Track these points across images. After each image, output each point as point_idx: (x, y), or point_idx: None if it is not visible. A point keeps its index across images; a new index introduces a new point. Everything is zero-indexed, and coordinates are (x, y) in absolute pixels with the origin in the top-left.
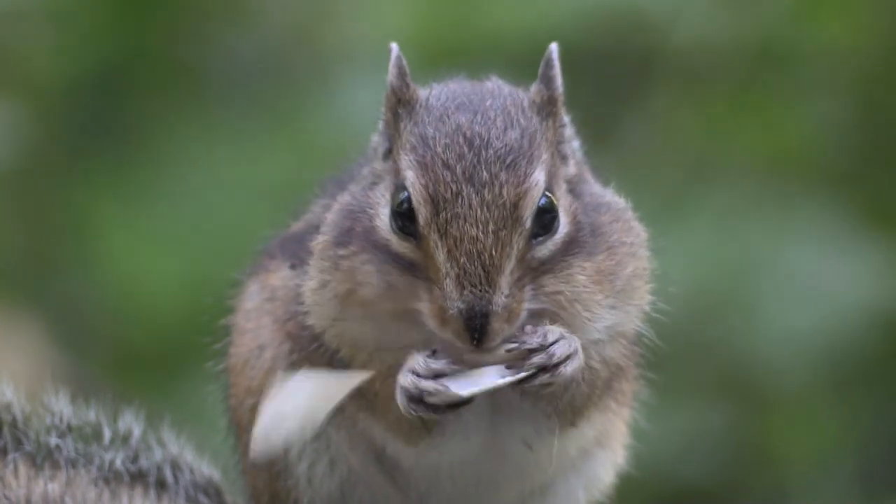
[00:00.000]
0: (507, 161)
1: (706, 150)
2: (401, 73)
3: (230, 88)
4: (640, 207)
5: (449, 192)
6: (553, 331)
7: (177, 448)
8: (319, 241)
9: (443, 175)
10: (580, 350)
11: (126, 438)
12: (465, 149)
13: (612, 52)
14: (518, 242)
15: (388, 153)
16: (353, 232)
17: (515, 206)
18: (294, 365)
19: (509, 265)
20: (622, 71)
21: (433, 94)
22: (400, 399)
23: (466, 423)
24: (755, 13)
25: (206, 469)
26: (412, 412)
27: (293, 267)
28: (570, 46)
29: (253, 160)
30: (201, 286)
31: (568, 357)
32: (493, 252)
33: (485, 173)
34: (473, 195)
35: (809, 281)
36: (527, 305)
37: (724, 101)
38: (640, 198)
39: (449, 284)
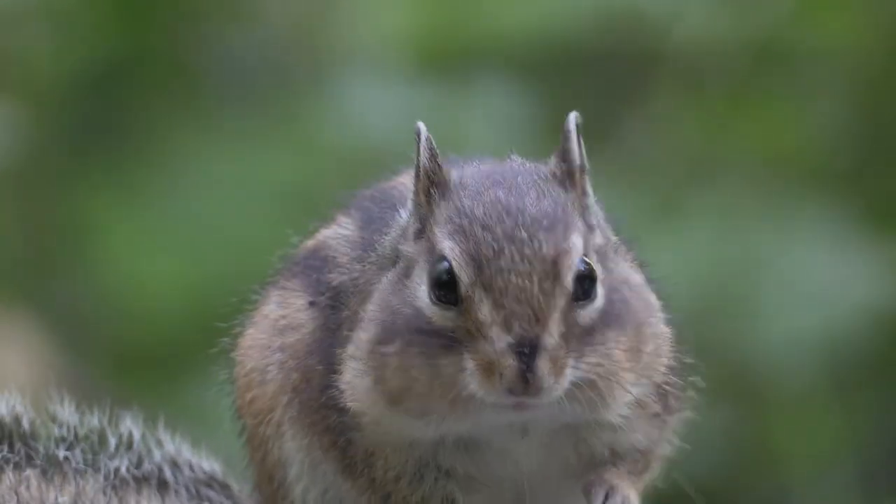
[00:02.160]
0: (545, 224)
1: (706, 151)
2: (433, 155)
3: (230, 88)
4: (640, 207)
5: (491, 250)
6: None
7: (173, 447)
8: (364, 340)
9: (483, 237)
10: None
11: (129, 444)
12: (504, 214)
13: (612, 52)
14: (560, 298)
15: (420, 233)
16: (397, 326)
17: (555, 262)
18: (293, 420)
19: (555, 313)
20: (622, 71)
21: (465, 173)
22: None
23: None
24: (755, 13)
25: (207, 464)
26: None
27: (312, 304)
28: (571, 46)
29: (252, 160)
30: (201, 286)
31: None
32: (540, 298)
33: (524, 233)
34: (515, 251)
35: (810, 281)
36: (570, 371)
37: (725, 102)
38: (641, 198)
39: (496, 329)
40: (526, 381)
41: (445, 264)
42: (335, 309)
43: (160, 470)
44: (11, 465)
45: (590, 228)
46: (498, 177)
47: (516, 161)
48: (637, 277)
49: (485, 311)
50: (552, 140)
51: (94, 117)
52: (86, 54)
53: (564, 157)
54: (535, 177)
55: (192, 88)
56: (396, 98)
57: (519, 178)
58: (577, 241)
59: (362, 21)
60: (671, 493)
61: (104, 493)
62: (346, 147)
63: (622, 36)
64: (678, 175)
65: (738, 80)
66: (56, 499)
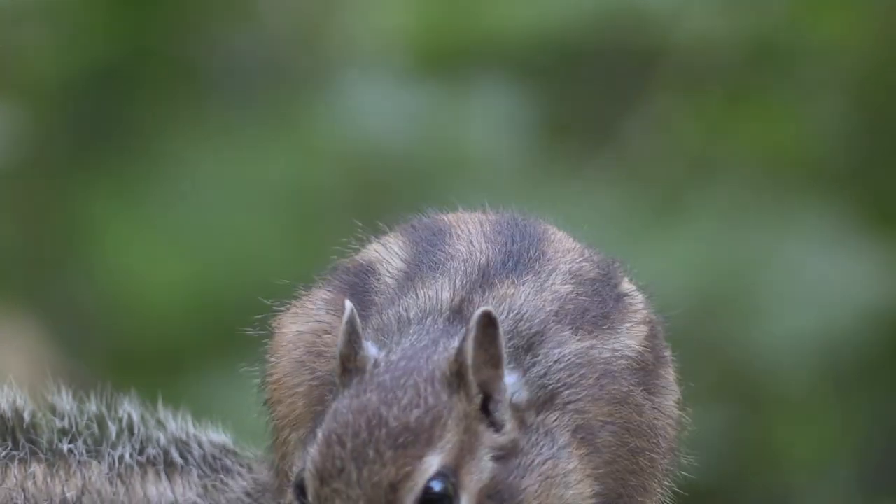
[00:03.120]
0: (399, 441)
1: (706, 150)
2: (349, 340)
3: (230, 89)
4: (639, 207)
5: (335, 468)
6: None
7: (176, 424)
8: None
9: (336, 451)
10: None
11: (130, 429)
12: (361, 427)
13: (612, 51)
14: None
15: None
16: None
17: (394, 488)
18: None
19: None
20: (622, 71)
21: (374, 362)
22: None
23: None
24: (755, 13)
25: (216, 436)
26: None
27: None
28: (570, 46)
29: (252, 160)
30: (200, 286)
31: None
32: None
33: (371, 452)
34: (354, 473)
35: (810, 281)
36: None
37: (724, 101)
38: (640, 197)
39: None
40: None
41: (303, 471)
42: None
43: (166, 452)
44: (17, 461)
45: (491, 426)
46: (389, 375)
47: (435, 341)
48: (563, 461)
49: None
50: (552, 140)
51: (94, 117)
52: (86, 54)
53: (458, 355)
54: (424, 375)
55: (193, 88)
56: (397, 99)
57: (403, 380)
58: (432, 461)
59: (362, 22)
60: (671, 491)
61: (110, 483)
62: (346, 147)
63: (621, 35)
64: (677, 175)
65: (737, 80)
66: (63, 492)
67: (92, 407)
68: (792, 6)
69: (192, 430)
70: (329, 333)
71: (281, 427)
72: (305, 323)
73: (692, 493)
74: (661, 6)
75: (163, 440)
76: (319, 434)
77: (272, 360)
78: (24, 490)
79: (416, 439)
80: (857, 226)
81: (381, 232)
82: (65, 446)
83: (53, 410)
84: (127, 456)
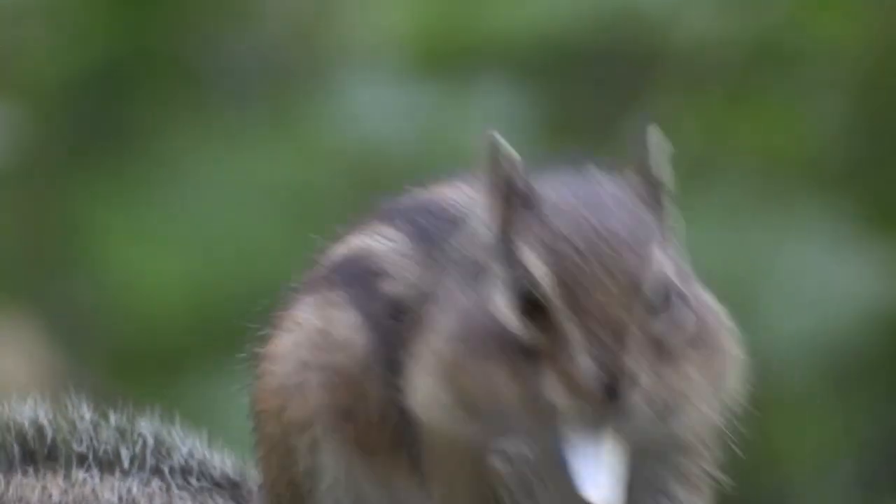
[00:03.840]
0: (628, 241)
1: (706, 150)
2: (514, 164)
3: (229, 87)
4: None
5: (575, 267)
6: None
7: (185, 451)
8: (436, 344)
9: (568, 253)
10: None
11: (143, 456)
12: (592, 235)
13: (612, 52)
14: (646, 320)
15: (496, 241)
16: (473, 332)
17: (638, 278)
18: (337, 435)
19: (636, 331)
20: (622, 71)
21: (547, 183)
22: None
23: None
24: (755, 13)
25: (219, 463)
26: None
27: (368, 318)
28: (570, 46)
29: (252, 160)
30: (201, 286)
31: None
32: (622, 317)
33: (607, 250)
34: (598, 268)
35: (810, 281)
36: (651, 390)
37: (724, 101)
38: None
39: (578, 350)
40: (607, 401)
41: (532, 281)
42: (396, 320)
43: (169, 486)
44: (39, 488)
45: (671, 247)
46: (580, 190)
47: (595, 174)
48: (710, 300)
49: (568, 329)
50: (552, 140)
51: (94, 117)
52: (86, 54)
53: (646, 172)
54: (618, 192)
55: (193, 88)
56: (396, 98)
57: (603, 195)
58: (657, 255)
59: (362, 21)
60: None
61: None
62: (346, 147)
63: (622, 36)
64: (677, 175)
65: (737, 80)
66: None
67: (111, 426)
68: (792, 6)
69: (198, 457)
70: (329, 334)
71: (286, 434)
72: (298, 332)
73: None
74: (661, 7)
75: (167, 472)
76: (531, 246)
77: (268, 371)
78: None
79: (643, 241)
80: (857, 226)
81: (354, 223)
82: (81, 474)
83: (73, 431)
84: (135, 488)
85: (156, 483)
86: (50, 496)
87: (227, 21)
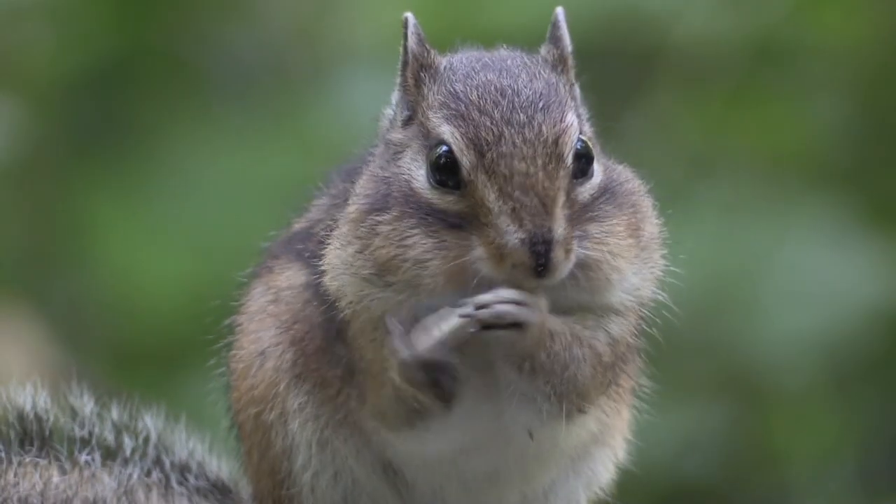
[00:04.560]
0: (540, 105)
1: (706, 149)
2: (420, 40)
3: (230, 85)
4: None
5: (490, 134)
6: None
7: (186, 451)
8: (353, 210)
9: (482, 121)
10: (543, 319)
11: (145, 446)
12: (499, 97)
13: (612, 50)
14: (564, 178)
15: (410, 120)
16: (391, 197)
17: (556, 142)
18: (298, 378)
19: (562, 197)
20: (623, 69)
21: (454, 58)
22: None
23: (468, 409)
24: (756, 11)
25: (215, 467)
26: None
27: (301, 254)
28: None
29: (253, 157)
30: (201, 283)
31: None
32: (546, 184)
33: (522, 115)
34: (515, 134)
35: (810, 279)
36: (576, 252)
37: (725, 100)
38: None
39: (505, 220)
40: (538, 272)
41: (444, 148)
42: (321, 245)
43: (167, 478)
44: (39, 467)
45: (579, 116)
46: (487, 61)
47: (504, 49)
48: (622, 167)
49: (491, 198)
50: None
51: (94, 116)
52: (86, 53)
53: (555, 43)
54: (526, 60)
55: (192, 86)
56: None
57: (509, 62)
58: (572, 119)
59: (362, 19)
60: (671, 491)
61: (118, 500)
62: (345, 145)
63: (622, 34)
64: (678, 173)
65: (737, 78)
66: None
67: (113, 415)
68: (793, 5)
69: (198, 458)
70: (272, 291)
71: (257, 418)
72: (251, 308)
73: (692, 493)
74: (661, 6)
75: (167, 465)
76: (441, 114)
77: (234, 354)
78: (42, 497)
79: (552, 102)
80: (857, 224)
81: (301, 210)
82: (83, 457)
83: (74, 416)
84: (135, 476)
85: (156, 474)
86: (50, 477)
87: (228, 20)
